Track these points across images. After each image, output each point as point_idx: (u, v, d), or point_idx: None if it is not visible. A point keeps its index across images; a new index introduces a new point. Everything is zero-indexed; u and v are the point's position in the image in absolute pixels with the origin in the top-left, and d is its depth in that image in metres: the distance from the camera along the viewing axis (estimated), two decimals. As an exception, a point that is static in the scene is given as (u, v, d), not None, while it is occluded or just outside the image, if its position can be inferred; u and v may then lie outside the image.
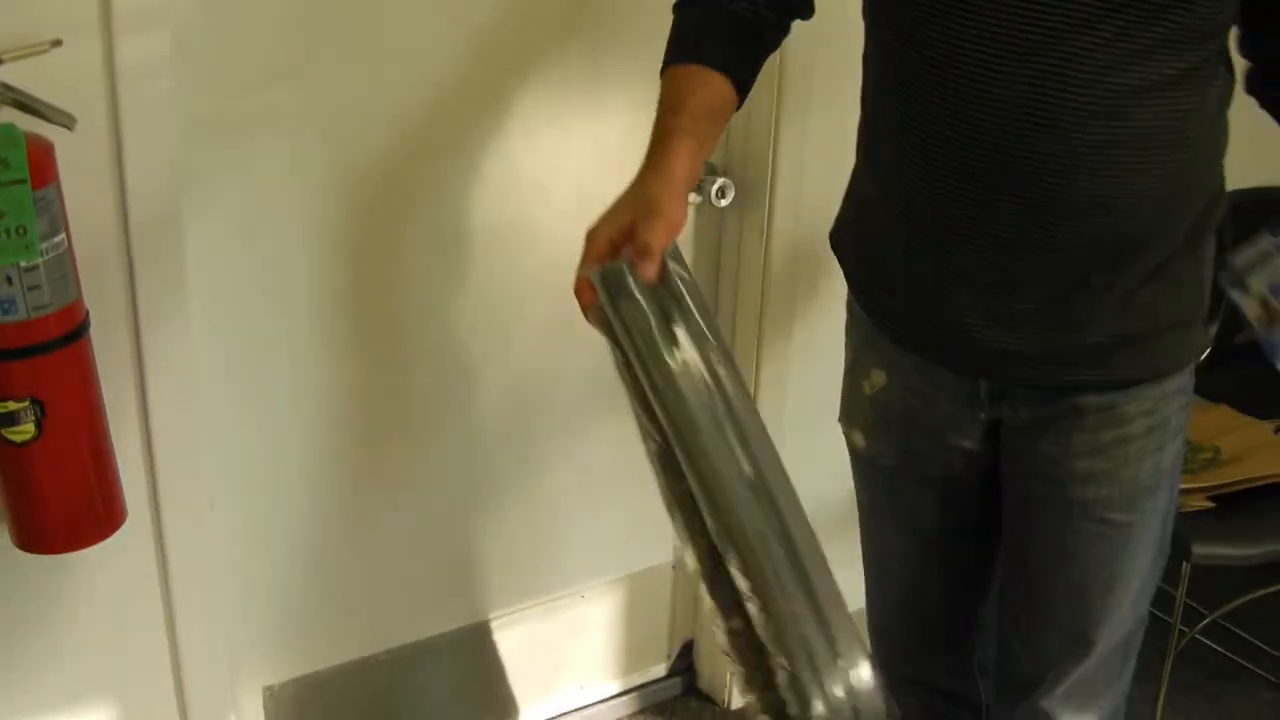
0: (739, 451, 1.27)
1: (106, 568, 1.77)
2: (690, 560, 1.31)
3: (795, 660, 1.17)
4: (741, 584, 1.22)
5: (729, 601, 1.25)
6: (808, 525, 1.26)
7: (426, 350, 2.08)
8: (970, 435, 1.58)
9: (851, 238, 1.62)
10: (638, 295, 1.32)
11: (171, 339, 1.73)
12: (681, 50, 1.50)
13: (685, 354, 1.30)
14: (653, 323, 1.31)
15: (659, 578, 2.57)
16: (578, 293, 1.37)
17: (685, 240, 2.23)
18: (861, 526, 1.80)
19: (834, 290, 2.35)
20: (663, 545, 2.53)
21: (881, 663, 1.80)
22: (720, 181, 2.15)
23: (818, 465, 2.50)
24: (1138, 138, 1.32)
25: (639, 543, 2.50)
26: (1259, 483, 2.39)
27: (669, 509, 1.35)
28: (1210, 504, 2.28)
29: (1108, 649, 1.63)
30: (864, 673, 1.18)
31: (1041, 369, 1.47)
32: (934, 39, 1.34)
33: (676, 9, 1.54)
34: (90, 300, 1.57)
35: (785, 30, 1.57)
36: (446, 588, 2.28)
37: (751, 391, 2.34)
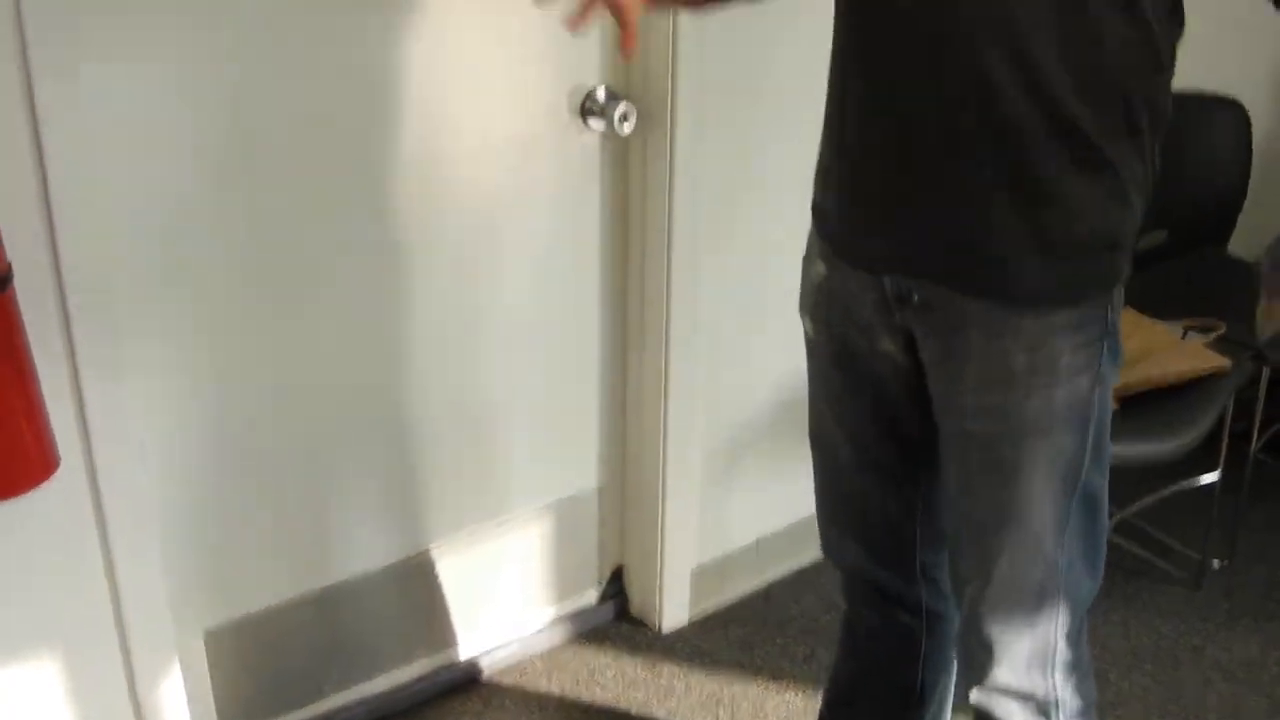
0: None
1: (42, 514, 1.79)
2: None
3: None
4: None
5: None
6: None
7: (347, 281, 2.11)
8: (893, 341, 1.61)
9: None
10: None
11: (94, 282, 1.75)
12: None
13: None
14: None
15: (585, 504, 2.61)
16: None
17: (592, 169, 2.29)
18: (809, 413, 1.85)
19: (742, 213, 2.43)
20: (587, 471, 2.58)
21: (827, 549, 1.87)
22: (623, 107, 2.20)
23: (728, 391, 2.59)
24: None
25: (563, 470, 2.55)
26: (1162, 383, 2.48)
27: None
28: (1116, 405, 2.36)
29: (1015, 588, 1.60)
30: None
31: (926, 263, 1.51)
32: None
33: None
34: (12, 251, 1.58)
35: None
36: (377, 522, 2.31)
37: (663, 317, 2.40)
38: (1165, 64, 1.45)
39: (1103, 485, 1.60)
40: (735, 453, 2.70)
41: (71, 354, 1.76)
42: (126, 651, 1.96)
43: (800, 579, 2.90)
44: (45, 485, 1.68)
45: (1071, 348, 1.49)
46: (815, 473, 1.88)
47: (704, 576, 2.74)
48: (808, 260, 1.73)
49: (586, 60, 2.22)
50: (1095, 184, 1.44)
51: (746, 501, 2.77)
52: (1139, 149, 1.45)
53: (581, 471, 2.57)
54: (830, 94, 1.57)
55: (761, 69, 2.33)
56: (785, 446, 2.80)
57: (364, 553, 2.31)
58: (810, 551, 2.94)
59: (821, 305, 1.70)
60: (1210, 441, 2.57)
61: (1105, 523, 1.63)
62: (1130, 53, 1.40)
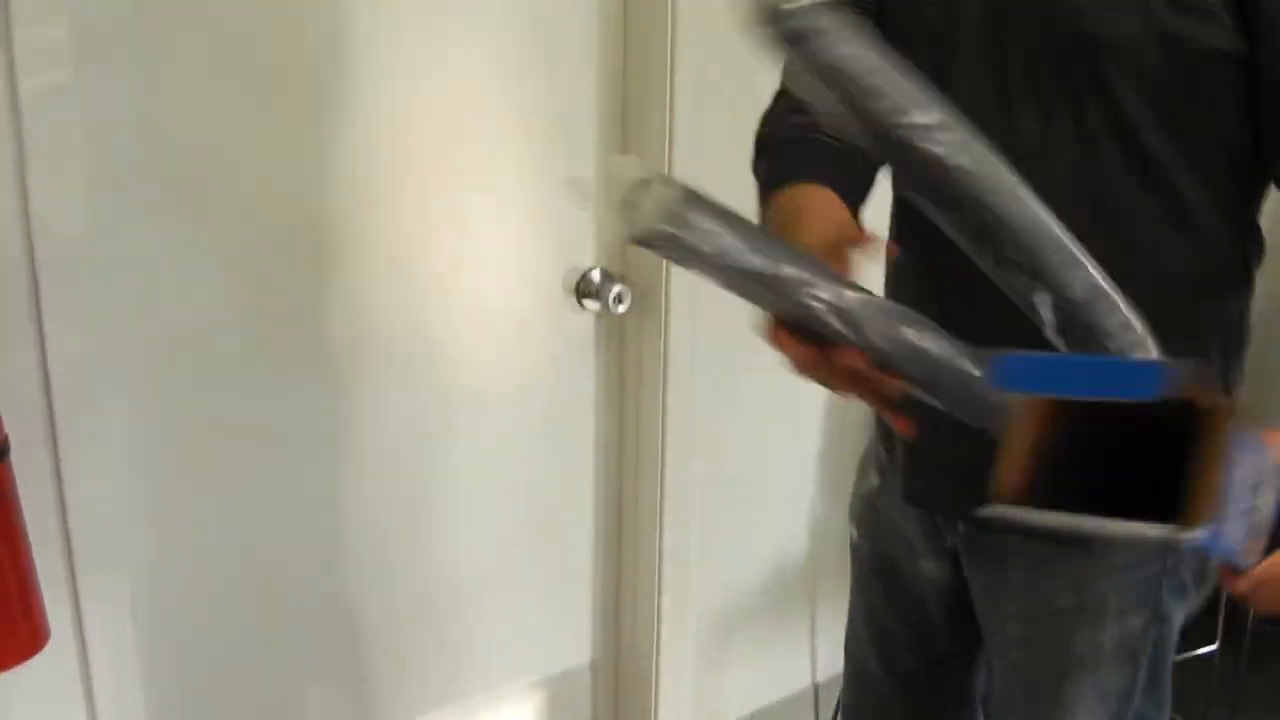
0: None
1: (29, 689, 1.77)
2: None
3: None
4: None
5: None
6: None
7: (328, 453, 2.12)
8: (937, 563, 1.58)
9: None
10: None
11: (91, 458, 1.77)
12: (784, 172, 1.41)
13: None
14: None
15: (579, 679, 2.59)
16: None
17: (587, 350, 2.32)
18: (847, 620, 1.81)
19: (740, 389, 2.46)
20: (580, 646, 2.57)
21: None
22: (617, 289, 2.25)
23: (723, 562, 2.59)
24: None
25: (557, 645, 2.53)
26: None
27: None
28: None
29: None
30: None
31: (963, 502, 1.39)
32: None
33: (765, 138, 1.51)
34: (10, 424, 1.60)
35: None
36: (365, 695, 2.28)
37: (657, 492, 2.41)
38: (1233, 286, 1.38)
39: (1158, 716, 1.54)
40: (730, 625, 2.69)
41: (65, 527, 1.76)
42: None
43: (794, 755, 2.87)
44: (34, 659, 1.67)
45: (1122, 587, 1.44)
46: (844, 682, 1.85)
47: (698, 752, 2.70)
48: (863, 468, 1.71)
49: (582, 242, 2.27)
50: None
51: (741, 675, 2.75)
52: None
53: (575, 646, 2.56)
54: None
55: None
56: (780, 620, 2.79)
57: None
58: (805, 727, 2.92)
59: (869, 517, 1.69)
60: (1208, 612, 2.55)
61: None
62: (1191, 271, 1.34)
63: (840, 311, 1.10)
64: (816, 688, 2.93)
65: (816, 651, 2.89)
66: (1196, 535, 0.92)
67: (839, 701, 2.87)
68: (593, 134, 2.25)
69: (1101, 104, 1.28)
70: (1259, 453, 1.03)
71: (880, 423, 1.62)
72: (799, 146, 1.45)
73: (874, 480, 1.67)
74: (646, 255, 2.25)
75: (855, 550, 1.75)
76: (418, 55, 2.02)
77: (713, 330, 2.35)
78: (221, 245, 1.91)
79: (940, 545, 1.57)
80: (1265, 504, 1.05)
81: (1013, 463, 1.02)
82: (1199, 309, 1.37)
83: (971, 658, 1.63)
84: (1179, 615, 1.50)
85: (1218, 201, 1.33)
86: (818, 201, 1.33)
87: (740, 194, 1.29)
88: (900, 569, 1.65)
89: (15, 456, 1.60)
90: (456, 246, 2.13)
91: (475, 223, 2.15)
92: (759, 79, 1.50)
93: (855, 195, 1.41)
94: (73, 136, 1.67)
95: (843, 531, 2.80)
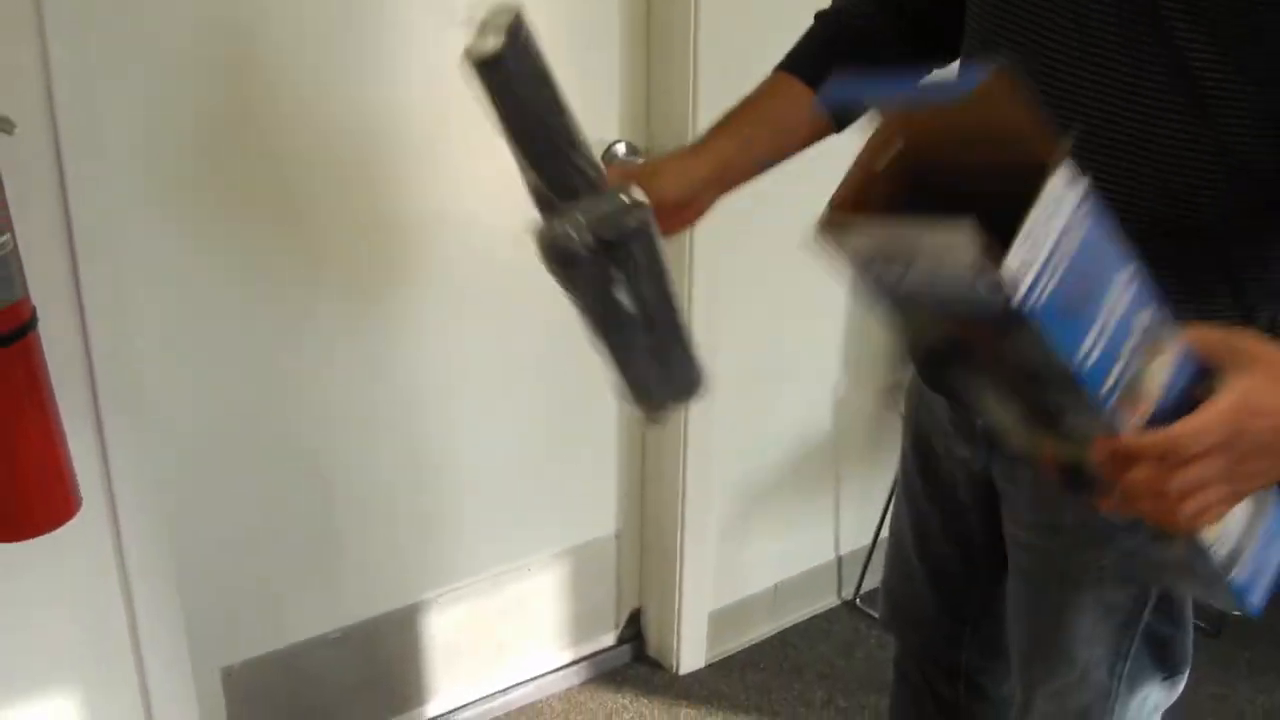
0: None
1: (64, 554, 1.82)
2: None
3: None
4: None
5: None
6: None
7: (359, 329, 2.14)
8: (970, 448, 1.55)
9: None
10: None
11: (117, 330, 1.78)
12: (786, 59, 1.48)
13: None
14: None
15: (604, 548, 2.64)
16: None
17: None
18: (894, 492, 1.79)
19: (765, 266, 2.44)
20: (606, 516, 2.61)
21: (885, 625, 1.84)
22: (640, 162, 2.23)
23: (747, 437, 2.60)
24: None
25: (581, 516, 2.57)
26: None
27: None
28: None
29: (1058, 716, 1.54)
30: None
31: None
32: None
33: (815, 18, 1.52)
34: (37, 296, 1.62)
35: (897, 31, 1.47)
36: (394, 565, 2.33)
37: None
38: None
39: (1176, 633, 1.48)
40: (753, 498, 2.71)
41: (94, 396, 1.79)
42: (145, 690, 1.98)
43: (816, 625, 2.91)
44: (67, 525, 1.71)
45: None
46: (885, 560, 1.84)
47: (721, 620, 2.75)
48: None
49: (606, 115, 2.26)
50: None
51: (764, 547, 2.78)
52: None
53: (599, 517, 2.60)
54: None
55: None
56: (803, 493, 2.81)
57: (384, 593, 2.34)
58: (827, 598, 2.96)
59: (913, 391, 1.67)
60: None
61: (1182, 658, 1.51)
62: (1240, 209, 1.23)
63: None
64: (840, 560, 2.96)
65: (840, 525, 2.92)
66: (1005, 273, 0.90)
67: (861, 574, 2.92)
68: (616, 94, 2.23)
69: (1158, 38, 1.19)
70: (1170, 331, 1.00)
71: None
72: (817, 29, 1.49)
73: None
74: (669, 129, 2.25)
75: (904, 425, 1.73)
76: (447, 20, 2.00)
77: (737, 211, 2.33)
78: (244, 109, 1.91)
79: (970, 430, 1.54)
80: (1156, 370, 0.99)
81: (851, 178, 1.05)
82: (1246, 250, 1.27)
83: (1002, 555, 1.60)
84: None
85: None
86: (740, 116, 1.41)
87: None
88: (935, 448, 1.62)
89: (43, 326, 1.63)
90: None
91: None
92: (784, 38, 1.48)
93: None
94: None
95: (867, 409, 2.83)
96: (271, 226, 2.00)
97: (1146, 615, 1.45)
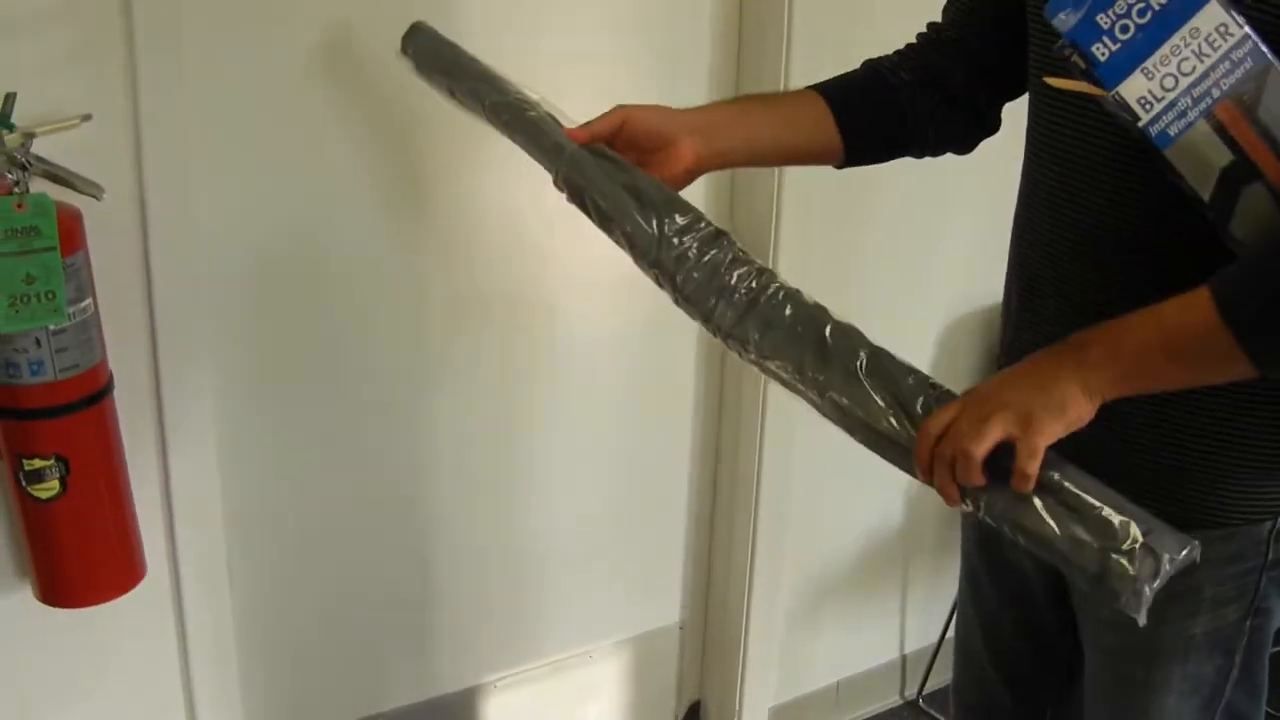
0: None
1: (126, 623, 1.81)
2: None
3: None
4: None
5: None
6: None
7: (439, 405, 2.13)
8: None
9: None
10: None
11: (191, 401, 1.79)
12: (819, 83, 1.53)
13: None
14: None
15: (666, 638, 2.59)
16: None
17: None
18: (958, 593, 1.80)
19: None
20: (669, 605, 2.57)
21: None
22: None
23: (817, 530, 2.57)
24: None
25: (646, 603, 2.53)
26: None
27: None
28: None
29: None
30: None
31: None
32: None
33: None
34: (114, 362, 1.63)
35: (927, 106, 1.52)
36: (454, 648, 2.30)
37: (756, 451, 2.40)
38: None
39: (1253, 708, 1.49)
40: (819, 593, 2.67)
41: (164, 466, 1.79)
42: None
43: (879, 725, 2.86)
44: (130, 594, 1.71)
45: (1218, 579, 1.39)
46: (953, 663, 1.82)
47: (782, 716, 2.70)
48: None
49: (689, 191, 2.24)
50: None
51: (828, 643, 2.74)
52: None
53: (664, 606, 2.56)
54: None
55: (870, 180, 2.35)
56: (869, 590, 2.77)
57: (443, 676, 2.31)
58: (890, 697, 2.91)
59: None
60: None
61: None
62: None
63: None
64: (904, 659, 2.91)
65: (906, 623, 2.87)
66: None
67: (925, 673, 2.87)
68: (704, 91, 2.22)
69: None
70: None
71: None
72: (858, 69, 1.55)
73: None
74: (752, 209, 2.23)
75: (964, 523, 1.72)
76: (533, 13, 2.00)
77: (819, 295, 2.32)
78: (328, 195, 1.92)
79: None
80: None
81: None
82: None
83: (1077, 644, 1.57)
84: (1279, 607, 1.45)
85: None
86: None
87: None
88: (1004, 542, 1.56)
89: (119, 394, 1.63)
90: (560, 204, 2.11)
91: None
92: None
93: (861, 118, 1.50)
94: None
95: (936, 505, 2.78)
96: (352, 300, 2.00)
97: (1229, 689, 1.45)
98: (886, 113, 1.51)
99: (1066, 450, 1.21)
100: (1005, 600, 1.65)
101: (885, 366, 1.30)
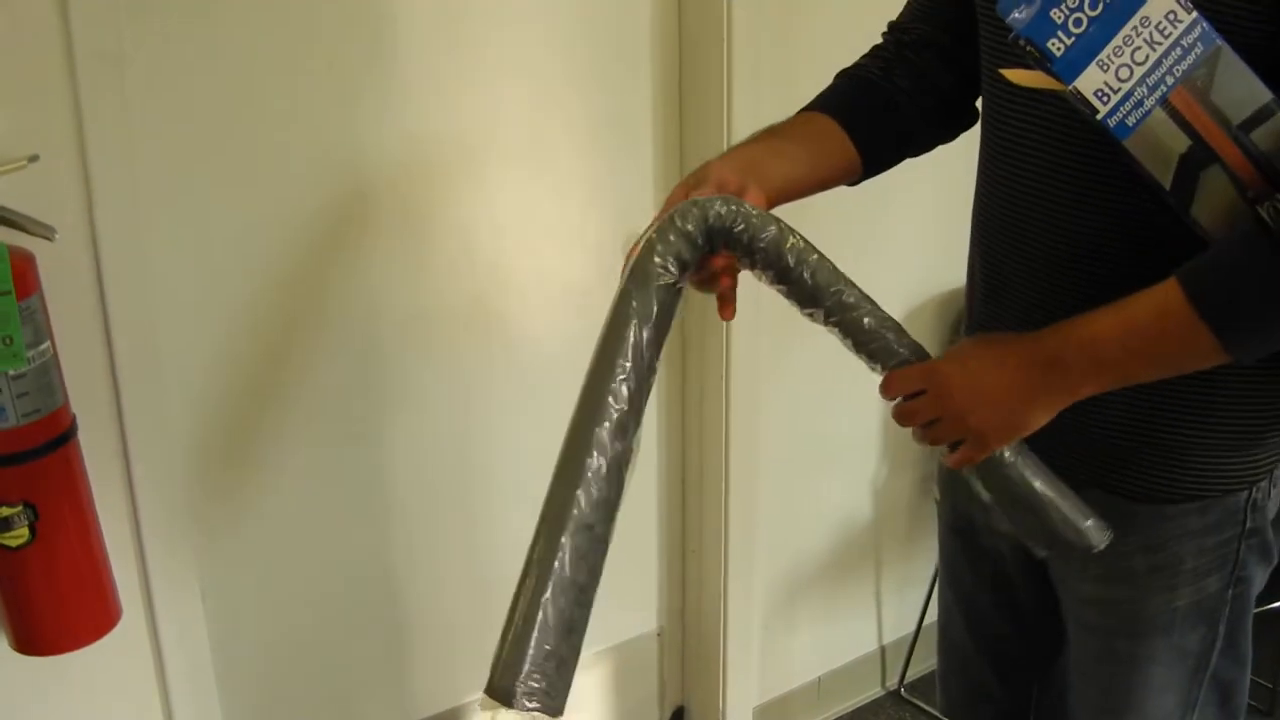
0: None
1: (103, 666, 1.79)
2: None
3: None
4: None
5: None
6: None
7: (404, 429, 2.12)
8: None
9: None
10: None
11: (156, 436, 1.77)
12: (811, 103, 1.52)
13: None
14: None
15: (646, 646, 2.59)
16: None
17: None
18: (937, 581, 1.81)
19: (804, 348, 2.43)
20: (646, 613, 2.57)
21: (948, 713, 1.82)
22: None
23: (787, 529, 2.57)
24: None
25: (622, 612, 2.53)
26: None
27: None
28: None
29: None
30: None
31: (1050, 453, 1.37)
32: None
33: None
34: (76, 403, 1.61)
35: (923, 107, 1.52)
36: (431, 670, 2.29)
37: (722, 454, 2.40)
38: None
39: (1239, 675, 1.51)
40: (795, 590, 2.67)
41: (133, 505, 1.77)
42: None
43: (862, 717, 2.87)
44: (107, 637, 1.68)
45: (1198, 550, 1.41)
46: (937, 650, 1.82)
47: (766, 715, 2.70)
48: None
49: (637, 205, 2.24)
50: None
51: (807, 639, 2.74)
52: None
53: (641, 614, 2.56)
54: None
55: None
56: (844, 583, 2.78)
57: (419, 699, 2.30)
58: (871, 689, 2.92)
59: (947, 475, 1.65)
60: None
61: (1242, 703, 1.54)
62: None
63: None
64: (883, 649, 2.91)
65: (883, 613, 2.88)
66: None
67: (905, 662, 2.88)
68: (649, 114, 2.22)
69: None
70: None
71: None
72: (842, 81, 1.54)
73: None
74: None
75: (938, 510, 1.73)
76: (476, 26, 2.00)
77: (776, 295, 2.32)
78: (278, 220, 1.90)
79: None
80: None
81: None
82: None
83: (1058, 621, 1.59)
84: (1260, 575, 1.47)
85: None
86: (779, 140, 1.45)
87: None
88: (977, 526, 1.61)
89: (83, 435, 1.61)
90: (515, 219, 2.11)
91: (535, 193, 2.13)
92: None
93: (872, 130, 1.49)
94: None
95: (906, 496, 2.80)
96: (322, 332, 1.99)
97: (1215, 658, 1.47)
98: (892, 122, 1.51)
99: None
100: (983, 584, 1.66)
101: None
